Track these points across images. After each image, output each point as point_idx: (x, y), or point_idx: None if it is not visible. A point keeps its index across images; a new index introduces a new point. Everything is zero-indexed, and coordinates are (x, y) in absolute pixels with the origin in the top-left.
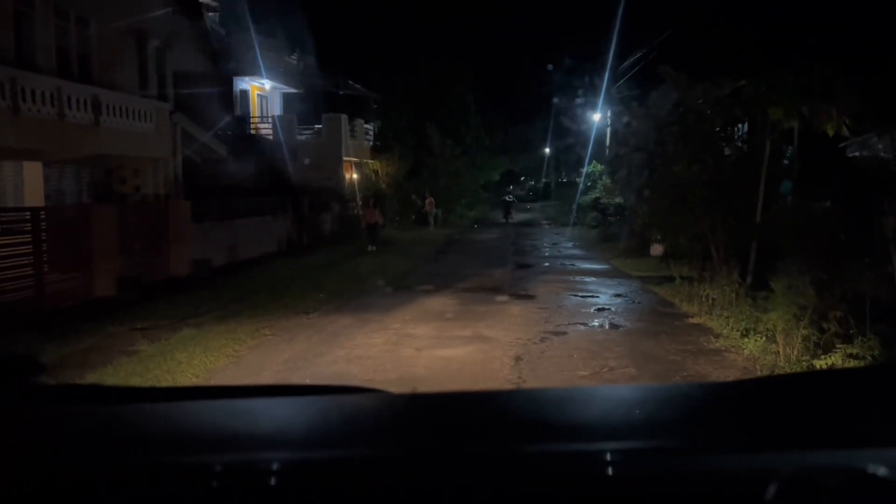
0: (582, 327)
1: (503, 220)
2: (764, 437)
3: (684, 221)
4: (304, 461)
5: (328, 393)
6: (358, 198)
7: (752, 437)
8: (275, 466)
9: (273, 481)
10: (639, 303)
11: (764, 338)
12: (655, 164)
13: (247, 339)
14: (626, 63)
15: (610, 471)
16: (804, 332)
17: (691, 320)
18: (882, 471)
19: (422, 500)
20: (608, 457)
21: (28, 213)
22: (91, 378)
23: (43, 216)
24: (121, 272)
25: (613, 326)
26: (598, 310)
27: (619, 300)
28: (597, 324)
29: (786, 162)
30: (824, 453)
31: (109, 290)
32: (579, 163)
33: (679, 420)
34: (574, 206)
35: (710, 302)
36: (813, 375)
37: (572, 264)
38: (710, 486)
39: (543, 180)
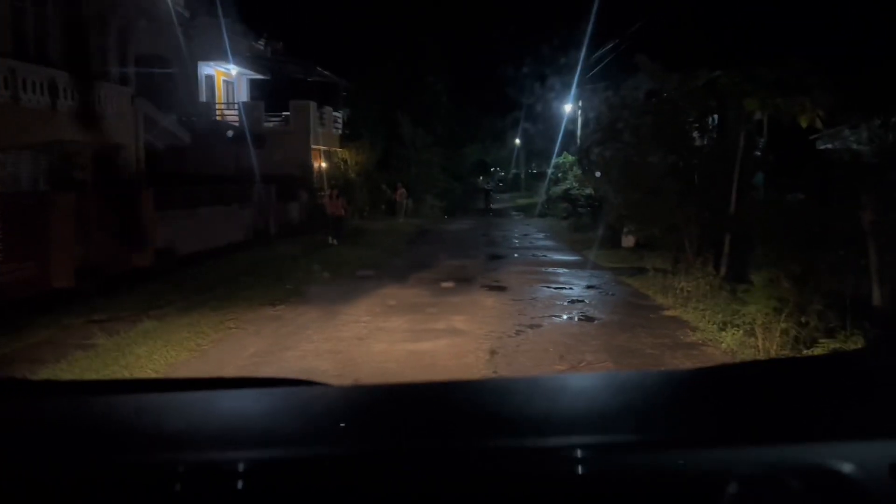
0: (557, 320)
1: (483, 207)
2: (726, 431)
3: (658, 213)
4: (261, 459)
5: (276, 386)
6: (326, 187)
7: (715, 431)
8: (235, 466)
9: (231, 480)
10: (612, 295)
11: (742, 331)
12: (629, 155)
13: (210, 333)
14: (598, 53)
15: (577, 468)
16: (783, 325)
17: (667, 313)
18: (846, 467)
19: (377, 497)
20: (568, 453)
21: None
22: (44, 374)
23: None
24: (79, 262)
25: (588, 319)
26: (572, 302)
27: (592, 292)
28: (571, 316)
29: (758, 153)
30: (786, 448)
31: (67, 282)
32: (549, 154)
33: (646, 411)
34: (544, 198)
35: (685, 294)
36: (778, 362)
37: (544, 255)
38: (674, 481)
39: (513, 171)
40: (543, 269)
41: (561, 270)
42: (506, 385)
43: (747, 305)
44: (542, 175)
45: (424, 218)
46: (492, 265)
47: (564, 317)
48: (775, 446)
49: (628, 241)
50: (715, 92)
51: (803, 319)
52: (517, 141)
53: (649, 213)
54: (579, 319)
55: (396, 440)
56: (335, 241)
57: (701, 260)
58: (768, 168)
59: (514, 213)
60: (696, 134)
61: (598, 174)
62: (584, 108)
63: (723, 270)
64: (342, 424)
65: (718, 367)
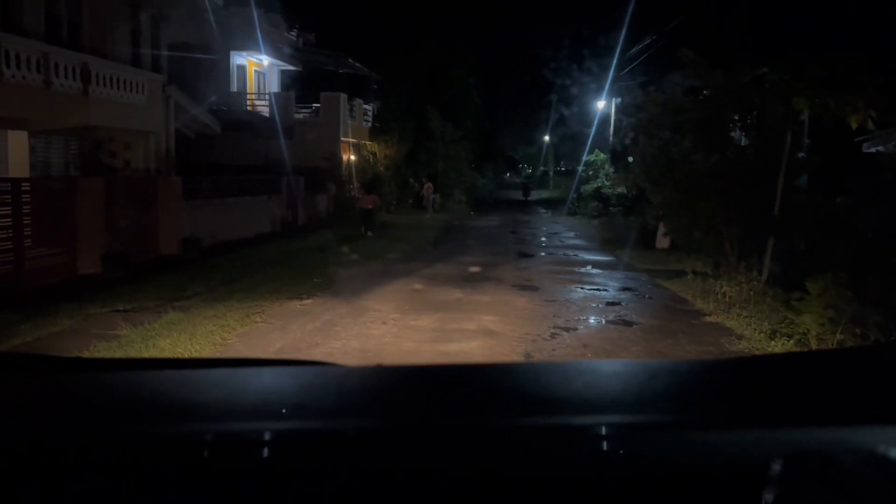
0: (593, 323)
1: (522, 199)
2: (767, 413)
3: (699, 214)
4: (292, 431)
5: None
6: (355, 180)
7: (756, 413)
8: (266, 436)
9: (263, 451)
10: (650, 298)
11: (793, 341)
12: (671, 153)
13: (236, 326)
14: (633, 50)
15: (604, 445)
16: (840, 337)
17: (708, 318)
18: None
19: (404, 470)
20: (602, 431)
21: (8, 184)
22: None
23: (24, 188)
24: (106, 249)
25: (626, 323)
26: (608, 304)
27: (628, 294)
28: (609, 319)
29: (801, 154)
30: (829, 431)
31: (94, 268)
32: (578, 152)
33: (678, 396)
34: (572, 195)
35: (727, 299)
36: (820, 354)
37: (575, 255)
38: (714, 462)
39: (541, 168)
40: (576, 269)
41: (594, 271)
42: (537, 368)
43: (801, 315)
44: (571, 173)
45: (451, 213)
46: (522, 263)
47: (602, 320)
48: (822, 428)
49: (663, 242)
50: (761, 89)
51: (860, 331)
52: (546, 138)
53: (690, 213)
54: (617, 323)
55: (426, 416)
56: (369, 233)
57: (745, 264)
58: (813, 169)
59: (542, 210)
60: (738, 133)
61: (635, 172)
62: (617, 106)
63: (764, 275)
64: (369, 400)
65: (757, 357)
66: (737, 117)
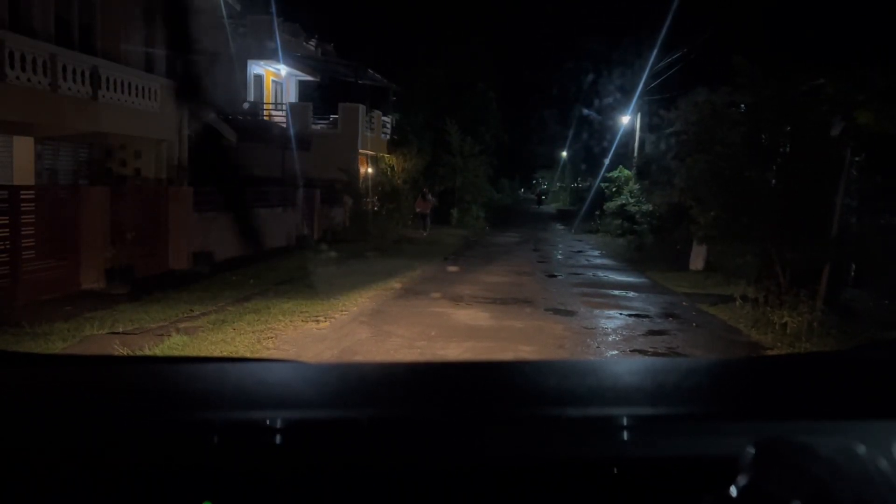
0: (641, 355)
1: (536, 206)
2: (748, 408)
3: (752, 234)
4: (303, 421)
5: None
6: (371, 193)
7: (739, 407)
8: (277, 424)
9: (273, 438)
10: (697, 326)
11: None
12: (721, 169)
13: (245, 354)
14: (661, 65)
15: (624, 435)
16: None
17: (770, 353)
18: (861, 447)
19: (431, 456)
20: (621, 421)
21: (6, 191)
22: None
23: (24, 196)
24: (112, 263)
25: (678, 356)
26: (653, 333)
27: (673, 322)
28: (660, 353)
29: (854, 172)
30: (810, 424)
31: (97, 283)
32: (597, 168)
33: (689, 390)
34: (585, 210)
35: (787, 331)
36: (814, 356)
37: (606, 275)
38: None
39: (557, 184)
40: (610, 292)
41: (630, 294)
42: (549, 366)
43: None
44: (590, 189)
45: (469, 229)
46: (551, 286)
47: (649, 351)
48: (803, 421)
49: (697, 263)
50: (817, 101)
51: None
52: (564, 153)
53: (742, 234)
54: (668, 356)
55: (441, 408)
56: (425, 233)
57: (798, 291)
58: (875, 189)
59: (561, 227)
60: (790, 148)
61: (685, 188)
62: (643, 121)
63: (818, 303)
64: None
65: (759, 357)
66: (790, 130)
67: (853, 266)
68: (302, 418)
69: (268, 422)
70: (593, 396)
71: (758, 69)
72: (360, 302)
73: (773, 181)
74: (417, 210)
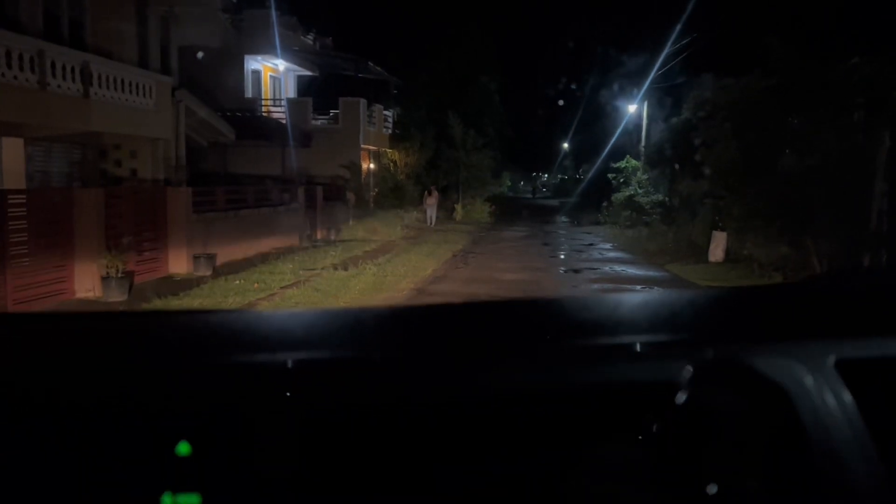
0: None
1: (531, 195)
2: (705, 334)
3: (786, 224)
4: (315, 360)
5: None
6: (374, 188)
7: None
8: (289, 364)
9: (287, 378)
10: None
11: None
12: (755, 158)
13: None
14: (667, 52)
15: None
16: None
17: None
18: (788, 363)
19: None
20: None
21: None
22: None
23: (15, 200)
24: (107, 269)
25: None
26: None
27: None
28: None
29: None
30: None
31: (93, 290)
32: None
33: (639, 320)
34: (575, 199)
35: None
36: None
37: (623, 270)
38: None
39: (558, 176)
40: (632, 289)
41: (652, 290)
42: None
43: None
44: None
45: (474, 223)
46: (569, 280)
47: None
48: (737, 344)
49: (716, 254)
50: (856, 81)
51: None
52: (565, 145)
53: (776, 224)
54: None
55: (463, 342)
56: (431, 226)
57: None
58: None
59: (566, 219)
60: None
61: (716, 177)
62: (651, 109)
63: None
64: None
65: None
66: (828, 115)
67: (885, 255)
68: (313, 358)
69: (279, 362)
70: (557, 330)
71: (793, 49)
72: (366, 304)
73: (812, 169)
74: (426, 206)
